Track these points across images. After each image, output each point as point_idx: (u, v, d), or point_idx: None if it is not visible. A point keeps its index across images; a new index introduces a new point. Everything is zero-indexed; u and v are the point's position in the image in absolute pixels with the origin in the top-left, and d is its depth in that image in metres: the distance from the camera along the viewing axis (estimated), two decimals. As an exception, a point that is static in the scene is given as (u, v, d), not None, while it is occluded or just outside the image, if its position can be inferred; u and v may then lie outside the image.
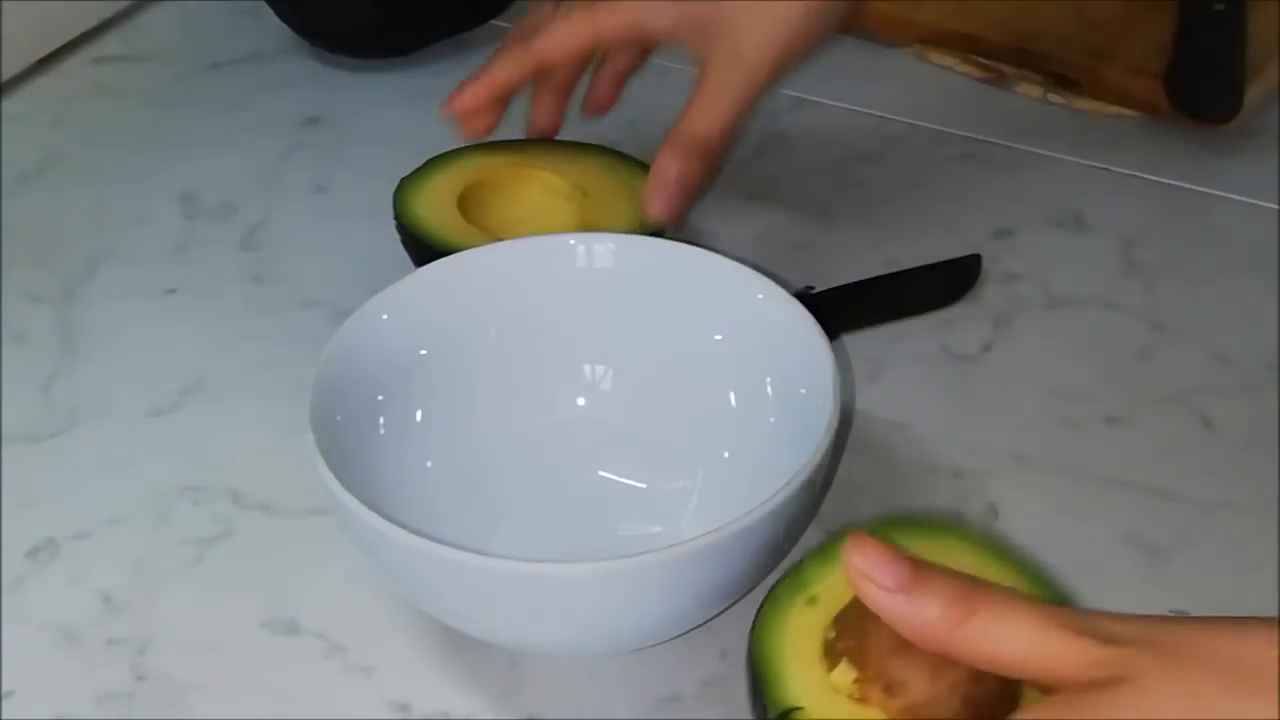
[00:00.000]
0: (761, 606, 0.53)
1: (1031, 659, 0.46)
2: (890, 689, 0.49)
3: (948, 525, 0.56)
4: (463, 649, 0.59)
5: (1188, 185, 0.80)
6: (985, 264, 0.74)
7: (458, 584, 0.54)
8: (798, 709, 0.50)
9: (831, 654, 0.51)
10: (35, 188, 0.84)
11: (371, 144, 0.86)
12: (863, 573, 0.47)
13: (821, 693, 0.50)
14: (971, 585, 0.47)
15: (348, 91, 0.90)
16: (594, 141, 0.77)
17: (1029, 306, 0.73)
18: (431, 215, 0.72)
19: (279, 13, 0.92)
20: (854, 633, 0.50)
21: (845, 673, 0.50)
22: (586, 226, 0.71)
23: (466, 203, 0.73)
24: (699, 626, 0.58)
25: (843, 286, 0.72)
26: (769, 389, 0.62)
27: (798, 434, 0.57)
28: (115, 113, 0.90)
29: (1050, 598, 0.54)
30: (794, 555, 0.61)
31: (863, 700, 0.49)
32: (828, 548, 0.55)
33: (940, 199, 0.80)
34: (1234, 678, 0.44)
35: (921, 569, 0.47)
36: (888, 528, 0.55)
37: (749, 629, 0.53)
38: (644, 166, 0.73)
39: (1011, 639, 0.46)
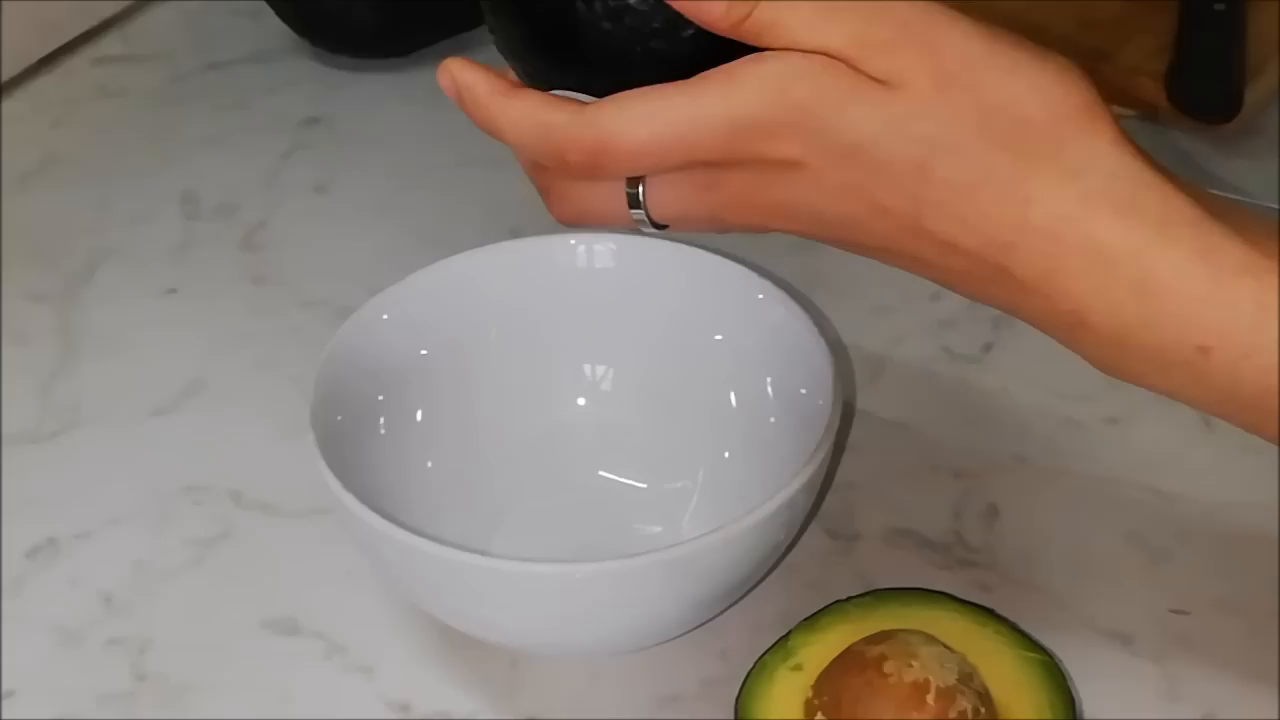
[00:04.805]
0: (749, 674, 0.55)
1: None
2: None
3: (940, 596, 0.57)
4: (463, 649, 0.59)
5: (1188, 185, 0.80)
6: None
7: (458, 584, 0.54)
8: None
9: (809, 709, 0.52)
10: (35, 188, 0.84)
11: (371, 144, 0.86)
12: None
13: None
14: None
15: (348, 91, 0.90)
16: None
17: (1029, 306, 0.73)
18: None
19: (279, 13, 0.92)
20: (830, 689, 0.52)
21: None
22: None
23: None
24: (699, 626, 0.58)
25: None
26: (769, 389, 0.62)
27: (798, 434, 0.57)
28: (115, 113, 0.90)
29: (1047, 667, 0.54)
30: (794, 558, 0.61)
31: None
32: (815, 619, 0.56)
33: (940, 199, 0.80)
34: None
35: None
36: (880, 600, 0.57)
37: (735, 697, 0.54)
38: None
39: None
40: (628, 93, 0.47)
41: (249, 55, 0.94)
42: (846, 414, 0.66)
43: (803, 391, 0.59)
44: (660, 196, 0.49)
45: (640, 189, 0.49)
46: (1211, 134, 0.82)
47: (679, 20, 0.47)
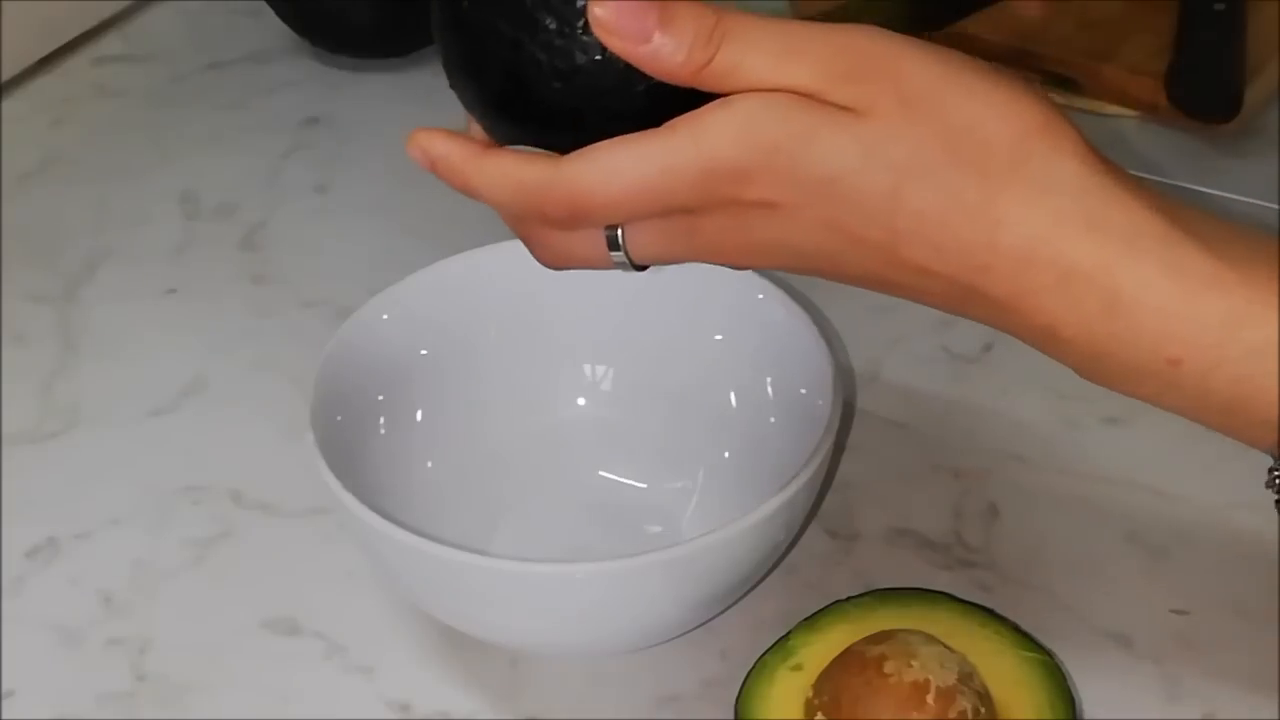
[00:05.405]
0: (749, 674, 0.55)
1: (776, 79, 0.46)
2: None
3: (940, 596, 0.57)
4: (463, 649, 0.59)
5: (1188, 185, 0.80)
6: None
7: (458, 584, 0.54)
8: None
9: (809, 709, 0.53)
10: (35, 188, 0.84)
11: (371, 144, 0.86)
12: (609, 27, 0.46)
13: None
14: (717, 21, 0.46)
15: (348, 91, 0.90)
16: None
17: (1029, 306, 0.73)
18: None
19: (279, 13, 0.92)
20: (830, 689, 0.52)
21: None
22: None
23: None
24: (699, 626, 0.58)
25: None
26: (769, 389, 0.62)
27: (798, 434, 0.57)
28: (115, 113, 0.90)
29: (1047, 668, 0.54)
30: (794, 558, 0.61)
31: None
32: (814, 619, 0.56)
33: (940, 199, 0.80)
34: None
35: (666, 12, 0.46)
36: (880, 600, 0.57)
37: (735, 697, 0.54)
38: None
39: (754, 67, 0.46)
40: (600, 145, 0.47)
41: (249, 55, 0.94)
42: (846, 414, 0.66)
43: (803, 391, 0.59)
44: (639, 240, 0.49)
45: (620, 234, 0.49)
46: (1211, 134, 0.82)
47: (631, 76, 0.47)
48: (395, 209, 0.81)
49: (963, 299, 0.48)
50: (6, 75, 0.91)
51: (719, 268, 0.62)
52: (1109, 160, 0.48)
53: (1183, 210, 0.47)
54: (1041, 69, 0.87)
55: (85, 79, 0.93)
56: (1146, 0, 0.87)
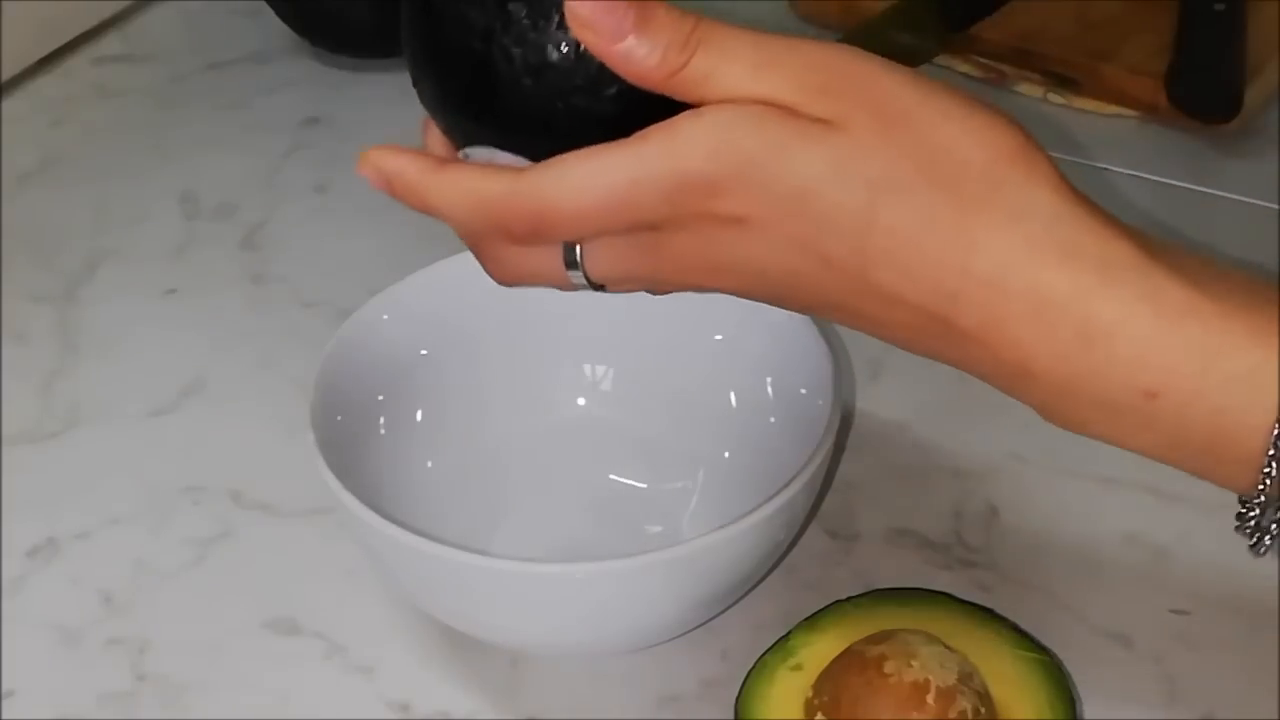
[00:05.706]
0: (749, 674, 0.55)
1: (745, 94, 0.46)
2: None
3: (940, 596, 0.57)
4: (463, 649, 0.59)
5: (1188, 185, 0.80)
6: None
7: (458, 584, 0.54)
8: None
9: (809, 709, 0.53)
10: (35, 188, 0.84)
11: (371, 144, 0.86)
12: (585, 22, 0.45)
13: None
14: (694, 27, 0.45)
15: (348, 91, 0.90)
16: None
17: (1029, 306, 0.73)
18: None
19: (279, 13, 0.92)
20: (830, 689, 0.52)
21: None
22: None
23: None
24: (699, 626, 0.58)
25: None
26: (769, 389, 0.62)
27: (798, 434, 0.57)
28: (115, 113, 0.90)
29: (1047, 667, 0.54)
30: (794, 558, 0.61)
31: None
32: (815, 619, 0.56)
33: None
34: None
35: (643, 13, 0.45)
36: (880, 600, 0.57)
37: (736, 697, 0.54)
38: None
39: (726, 77, 0.45)
40: (566, 156, 0.46)
41: (249, 55, 0.94)
42: (846, 414, 0.66)
43: (803, 391, 0.59)
44: (599, 258, 0.48)
45: (578, 250, 0.48)
46: (1211, 134, 0.82)
47: (602, 77, 0.46)
48: (395, 209, 0.80)
49: (930, 331, 0.47)
50: (6, 75, 0.91)
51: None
52: (1080, 191, 0.47)
53: (1155, 241, 0.46)
54: (1041, 69, 0.87)
55: (85, 79, 0.93)
56: (1146, 0, 0.87)
